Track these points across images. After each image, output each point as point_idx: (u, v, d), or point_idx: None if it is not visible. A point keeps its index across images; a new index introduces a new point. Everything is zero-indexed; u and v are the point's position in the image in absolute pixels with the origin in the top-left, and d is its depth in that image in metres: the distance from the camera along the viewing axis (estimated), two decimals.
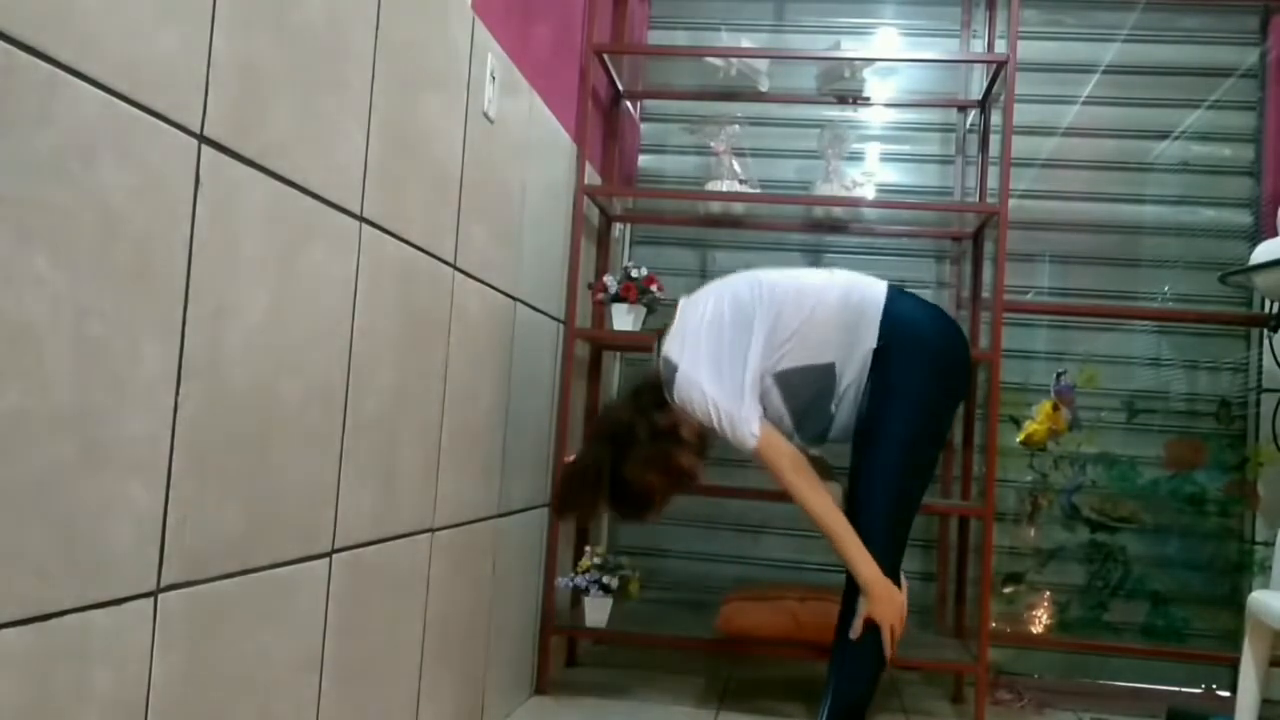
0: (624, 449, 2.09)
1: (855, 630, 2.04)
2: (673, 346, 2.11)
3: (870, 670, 2.10)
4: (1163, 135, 3.26)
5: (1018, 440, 3.03)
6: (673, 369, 2.09)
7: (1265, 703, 2.39)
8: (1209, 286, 3.13)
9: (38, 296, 0.92)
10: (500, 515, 2.29)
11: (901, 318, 2.10)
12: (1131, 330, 3.23)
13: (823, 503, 2.04)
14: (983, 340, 3.04)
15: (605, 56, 2.96)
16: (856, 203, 2.96)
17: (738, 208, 3.05)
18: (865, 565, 2.01)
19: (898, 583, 2.09)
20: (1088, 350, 3.24)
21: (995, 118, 3.05)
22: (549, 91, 2.52)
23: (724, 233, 3.32)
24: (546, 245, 2.57)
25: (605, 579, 2.67)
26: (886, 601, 2.02)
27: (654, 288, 2.84)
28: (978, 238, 3.11)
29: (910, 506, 2.15)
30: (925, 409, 2.10)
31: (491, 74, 2.07)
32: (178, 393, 1.12)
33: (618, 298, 2.81)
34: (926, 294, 3.30)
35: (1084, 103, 3.28)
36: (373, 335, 1.60)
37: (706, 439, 2.14)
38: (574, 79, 2.80)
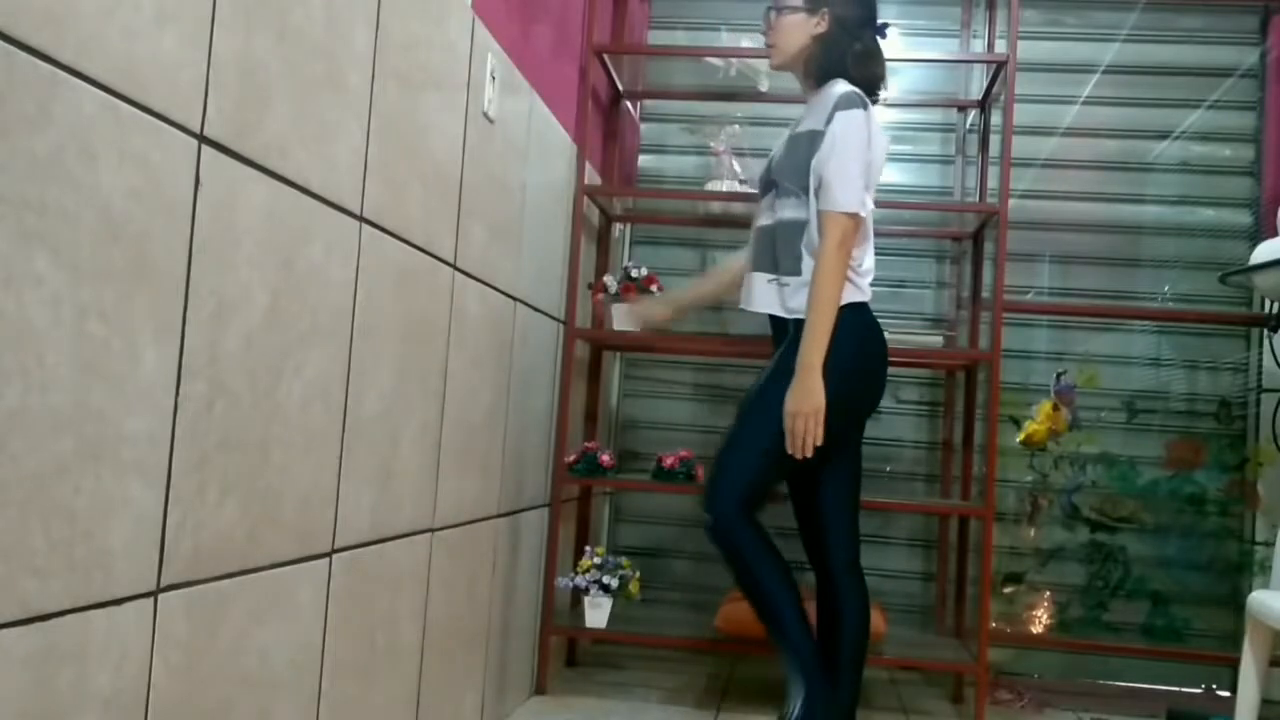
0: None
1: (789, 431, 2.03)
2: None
3: (858, 670, 2.13)
4: (1163, 135, 3.26)
5: (1018, 440, 3.03)
6: (860, 100, 2.10)
7: (1265, 703, 2.39)
8: (1209, 286, 3.14)
9: (38, 296, 0.92)
10: (500, 515, 2.29)
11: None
12: (1131, 330, 3.23)
13: (835, 296, 2.03)
14: (983, 340, 3.04)
15: (605, 56, 2.96)
16: None
17: (738, 208, 3.04)
18: (818, 351, 2.01)
19: (860, 575, 2.17)
20: (1088, 350, 3.24)
21: (995, 118, 3.05)
22: (549, 91, 2.52)
23: (724, 233, 3.32)
24: (546, 245, 2.57)
25: (605, 579, 2.67)
26: (809, 394, 2.00)
27: (654, 288, 2.84)
28: (978, 238, 3.11)
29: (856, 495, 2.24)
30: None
31: (491, 74, 2.07)
32: (178, 393, 1.12)
33: (618, 298, 2.81)
34: (926, 294, 3.33)
35: (1084, 103, 3.28)
36: (373, 335, 1.60)
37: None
38: (574, 79, 2.80)
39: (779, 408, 2.03)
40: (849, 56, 2.17)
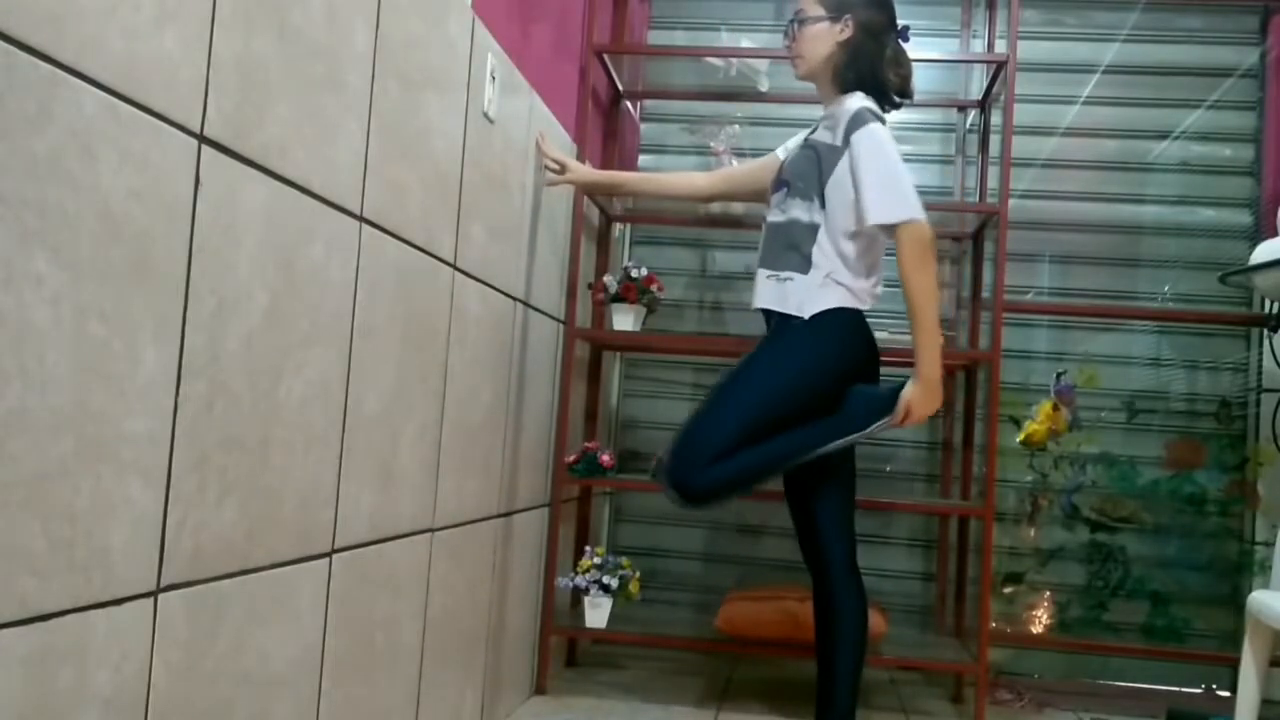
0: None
1: (896, 418, 2.07)
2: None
3: (857, 671, 2.15)
4: (1163, 135, 3.26)
5: (1018, 440, 3.03)
6: (873, 115, 2.10)
7: (1265, 703, 2.39)
8: (1209, 286, 3.14)
9: (38, 296, 0.92)
10: (501, 515, 2.29)
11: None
12: (1131, 330, 3.23)
13: (933, 306, 2.06)
14: (983, 340, 3.04)
15: (605, 56, 2.96)
16: None
17: (737, 207, 3.04)
18: (936, 364, 2.06)
19: (858, 576, 2.19)
20: (1088, 350, 3.24)
21: (995, 118, 3.05)
22: (549, 91, 2.52)
23: (724, 233, 3.32)
24: (546, 245, 2.57)
25: (605, 579, 2.67)
26: (931, 398, 2.06)
27: (654, 288, 2.84)
28: (978, 238, 3.11)
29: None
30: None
31: (491, 74, 2.07)
32: (178, 393, 1.12)
33: (618, 298, 2.81)
34: None
35: (1084, 103, 3.28)
36: (373, 335, 1.60)
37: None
38: (574, 79, 2.80)
39: (766, 379, 2.09)
40: (882, 63, 2.18)
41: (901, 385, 2.08)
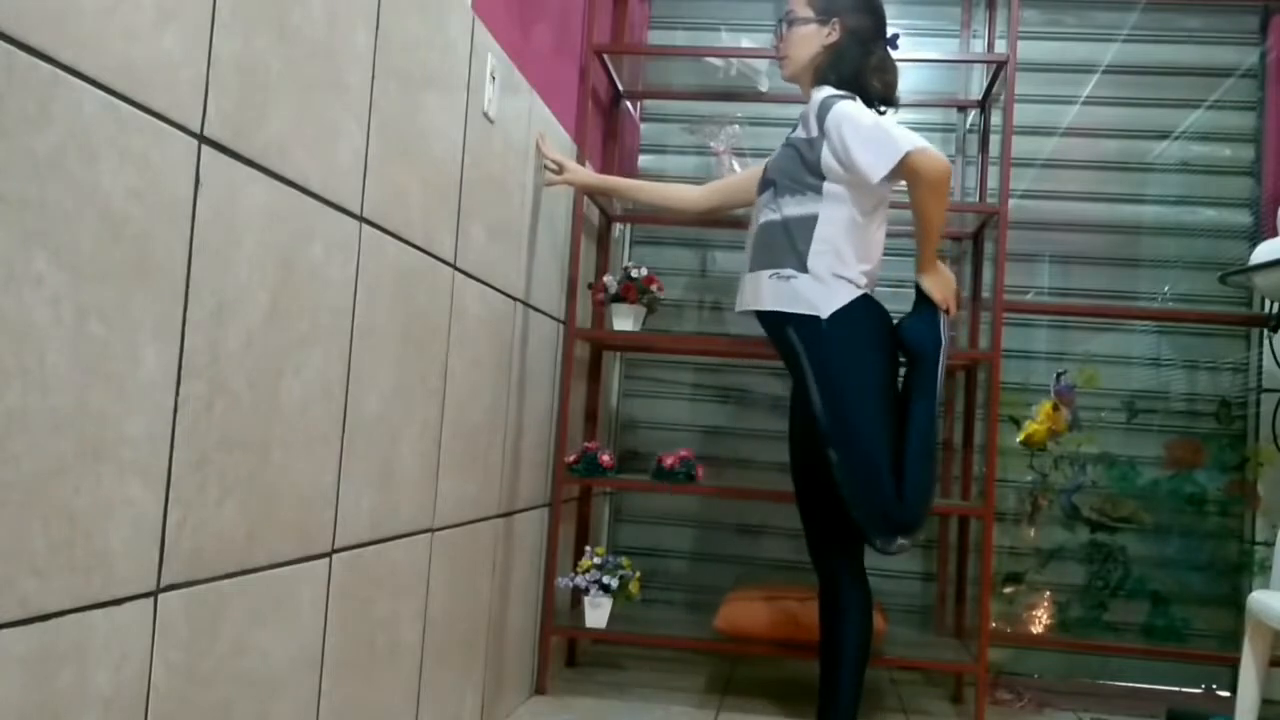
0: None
1: (943, 308, 2.18)
2: (832, 95, 2.17)
3: (860, 673, 2.16)
4: (1163, 135, 3.26)
5: (1018, 440, 3.03)
6: (837, 98, 2.14)
7: (1265, 703, 2.39)
8: (1209, 286, 3.14)
9: (38, 296, 0.92)
10: (501, 515, 2.29)
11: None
12: (1131, 330, 3.23)
13: (943, 216, 2.14)
14: (983, 340, 3.04)
15: (605, 56, 2.96)
16: None
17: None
18: (935, 254, 2.18)
19: (864, 577, 2.20)
20: (1088, 350, 3.24)
21: (995, 118, 3.05)
22: (549, 91, 2.52)
23: (724, 232, 3.32)
24: (546, 245, 2.57)
25: (605, 579, 2.67)
26: (945, 276, 2.21)
27: (654, 288, 2.84)
28: (978, 238, 3.11)
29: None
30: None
31: (491, 74, 2.07)
32: (178, 393, 1.12)
33: (618, 298, 2.81)
34: None
35: (1084, 103, 3.28)
36: (373, 335, 1.60)
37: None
38: (574, 79, 2.80)
39: (861, 398, 2.10)
40: (866, 71, 2.19)
41: (918, 290, 2.18)
